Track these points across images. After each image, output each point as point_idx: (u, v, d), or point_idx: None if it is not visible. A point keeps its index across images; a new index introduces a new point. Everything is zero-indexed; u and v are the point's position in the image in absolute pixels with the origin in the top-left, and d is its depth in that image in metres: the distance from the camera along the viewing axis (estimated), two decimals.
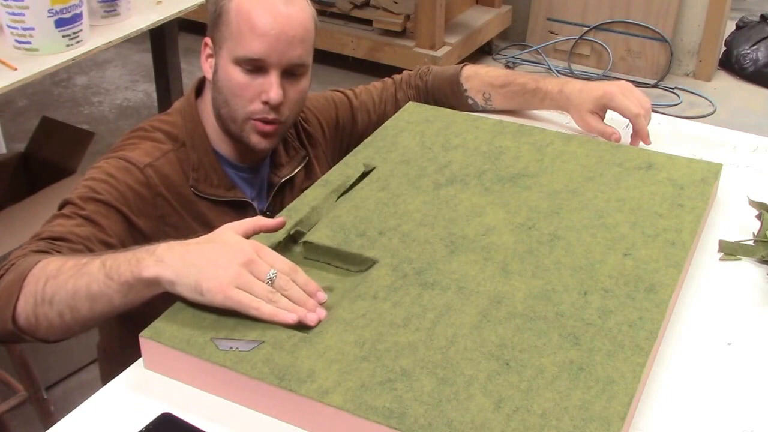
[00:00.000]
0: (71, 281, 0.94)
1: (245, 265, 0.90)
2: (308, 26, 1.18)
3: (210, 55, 1.22)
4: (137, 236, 1.13)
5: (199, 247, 0.91)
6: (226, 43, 1.17)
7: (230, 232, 0.94)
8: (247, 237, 0.95)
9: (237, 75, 1.17)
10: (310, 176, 1.34)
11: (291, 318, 0.89)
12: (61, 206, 1.13)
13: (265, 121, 1.19)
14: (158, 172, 1.18)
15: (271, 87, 1.16)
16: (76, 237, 1.06)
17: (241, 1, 1.16)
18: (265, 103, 1.17)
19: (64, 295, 0.95)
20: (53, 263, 0.97)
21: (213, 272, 0.89)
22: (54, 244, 1.04)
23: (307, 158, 1.35)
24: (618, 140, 1.34)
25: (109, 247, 1.08)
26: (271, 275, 0.91)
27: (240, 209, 1.24)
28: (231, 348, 0.88)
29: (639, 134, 1.35)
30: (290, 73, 1.18)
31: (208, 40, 1.22)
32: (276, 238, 1.06)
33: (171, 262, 0.90)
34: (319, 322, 0.92)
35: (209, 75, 1.22)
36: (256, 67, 1.16)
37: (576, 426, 0.79)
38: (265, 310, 0.89)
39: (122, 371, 0.94)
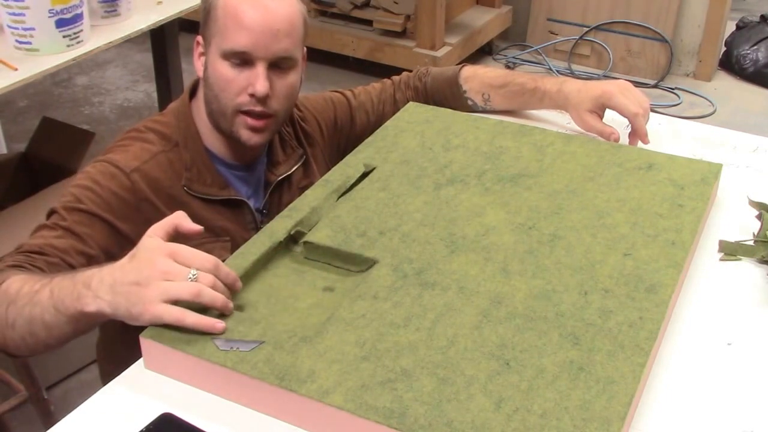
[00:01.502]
0: (27, 309, 0.97)
1: (162, 275, 0.89)
2: (295, 21, 1.19)
3: (202, 54, 1.23)
4: (122, 241, 1.14)
5: (123, 271, 0.91)
6: (214, 39, 1.18)
7: (149, 239, 0.93)
8: (169, 238, 0.94)
9: (224, 69, 1.17)
10: (307, 175, 1.34)
11: (218, 325, 0.89)
12: (48, 215, 1.15)
13: (254, 115, 1.19)
14: (145, 176, 1.18)
15: (257, 79, 1.17)
16: (53, 250, 1.08)
17: None
18: (252, 95, 1.18)
19: (22, 322, 0.98)
20: (14, 285, 0.99)
21: (136, 295, 0.89)
22: (31, 257, 1.07)
23: (305, 157, 1.35)
24: (617, 140, 1.34)
25: (89, 257, 1.10)
26: (191, 277, 0.90)
27: (235, 208, 1.25)
28: (231, 348, 0.88)
29: (638, 134, 1.35)
30: (277, 66, 1.19)
31: (199, 38, 1.23)
32: (276, 238, 1.07)
33: (104, 295, 0.91)
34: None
35: (201, 72, 1.23)
36: (242, 60, 1.17)
37: (576, 426, 0.79)
38: (189, 320, 0.89)
39: (122, 371, 0.94)
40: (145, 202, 1.18)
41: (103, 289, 0.91)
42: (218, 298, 0.90)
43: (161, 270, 0.89)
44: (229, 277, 0.94)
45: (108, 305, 0.91)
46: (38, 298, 0.97)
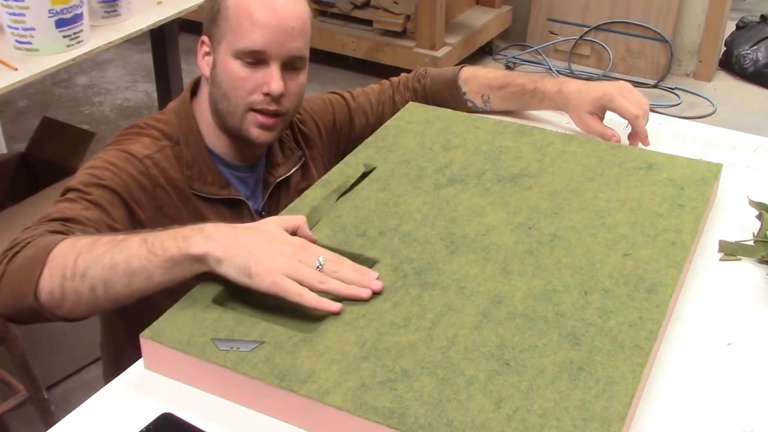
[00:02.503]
0: (108, 255, 0.94)
1: (294, 253, 0.92)
2: (306, 20, 1.20)
3: (207, 53, 1.23)
4: (137, 226, 1.13)
5: (248, 232, 0.93)
6: (225, 38, 1.18)
7: (275, 225, 0.96)
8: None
9: (237, 68, 1.17)
10: (306, 177, 1.34)
11: (335, 307, 0.91)
12: (64, 193, 1.12)
13: (266, 113, 1.19)
14: (157, 164, 1.18)
15: (272, 78, 1.17)
16: (86, 219, 1.06)
17: None
18: (266, 94, 1.18)
19: (99, 269, 0.94)
20: (84, 238, 0.97)
21: (263, 257, 0.90)
22: (66, 225, 1.04)
23: (303, 159, 1.35)
24: (618, 142, 1.34)
25: (117, 232, 1.07)
26: (321, 262, 0.93)
27: (235, 207, 1.25)
28: (231, 348, 0.88)
29: (638, 135, 1.35)
30: (290, 65, 1.19)
31: (205, 38, 1.23)
32: None
33: (221, 241, 0.91)
34: (374, 295, 0.95)
35: (207, 72, 1.23)
36: (257, 59, 1.17)
37: (576, 426, 0.79)
38: (309, 296, 0.90)
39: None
40: (159, 187, 1.18)
41: (221, 236, 0.92)
42: (343, 287, 0.93)
43: (297, 247, 0.93)
44: (359, 268, 0.96)
45: (222, 251, 0.91)
46: (126, 245, 0.94)
